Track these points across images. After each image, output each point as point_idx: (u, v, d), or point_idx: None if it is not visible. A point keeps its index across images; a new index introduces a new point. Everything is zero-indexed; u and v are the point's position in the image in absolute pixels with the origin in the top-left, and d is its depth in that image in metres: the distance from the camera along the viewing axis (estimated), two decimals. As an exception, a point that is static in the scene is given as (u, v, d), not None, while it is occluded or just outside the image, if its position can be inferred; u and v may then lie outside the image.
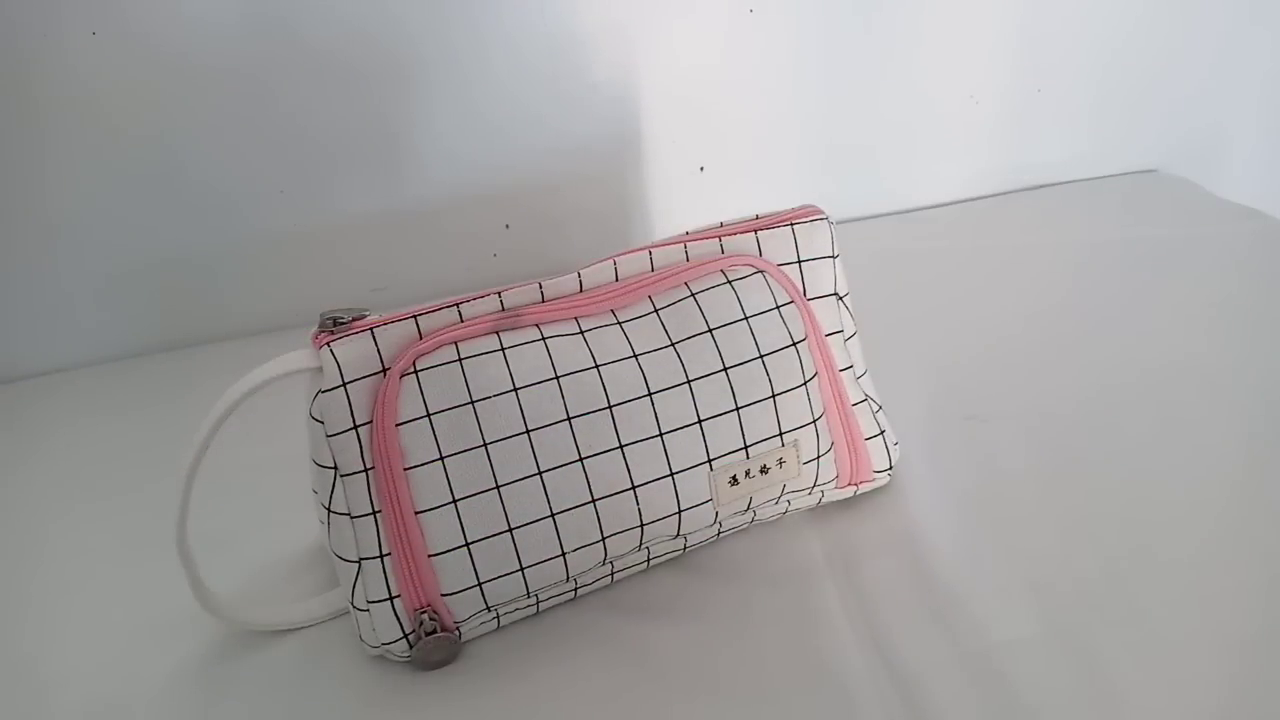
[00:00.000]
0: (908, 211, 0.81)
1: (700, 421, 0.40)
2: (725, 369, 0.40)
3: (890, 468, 0.46)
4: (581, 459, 0.38)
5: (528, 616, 0.41)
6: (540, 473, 0.38)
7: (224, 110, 0.60)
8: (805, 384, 0.42)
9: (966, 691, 0.38)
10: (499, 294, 0.40)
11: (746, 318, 0.41)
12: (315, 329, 0.38)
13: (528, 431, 0.38)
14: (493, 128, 0.67)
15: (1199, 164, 0.85)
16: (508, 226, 0.71)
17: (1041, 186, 0.84)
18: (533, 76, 0.66)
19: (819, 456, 0.42)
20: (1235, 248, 0.71)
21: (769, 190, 0.76)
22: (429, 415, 0.37)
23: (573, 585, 0.41)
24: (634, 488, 0.39)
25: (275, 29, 0.58)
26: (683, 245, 0.43)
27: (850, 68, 0.73)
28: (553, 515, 0.38)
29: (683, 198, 0.73)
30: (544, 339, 0.39)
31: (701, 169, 0.73)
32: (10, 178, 0.58)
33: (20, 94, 0.56)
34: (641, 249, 0.42)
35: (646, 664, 0.40)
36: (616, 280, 0.42)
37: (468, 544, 0.37)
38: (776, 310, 0.42)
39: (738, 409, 0.40)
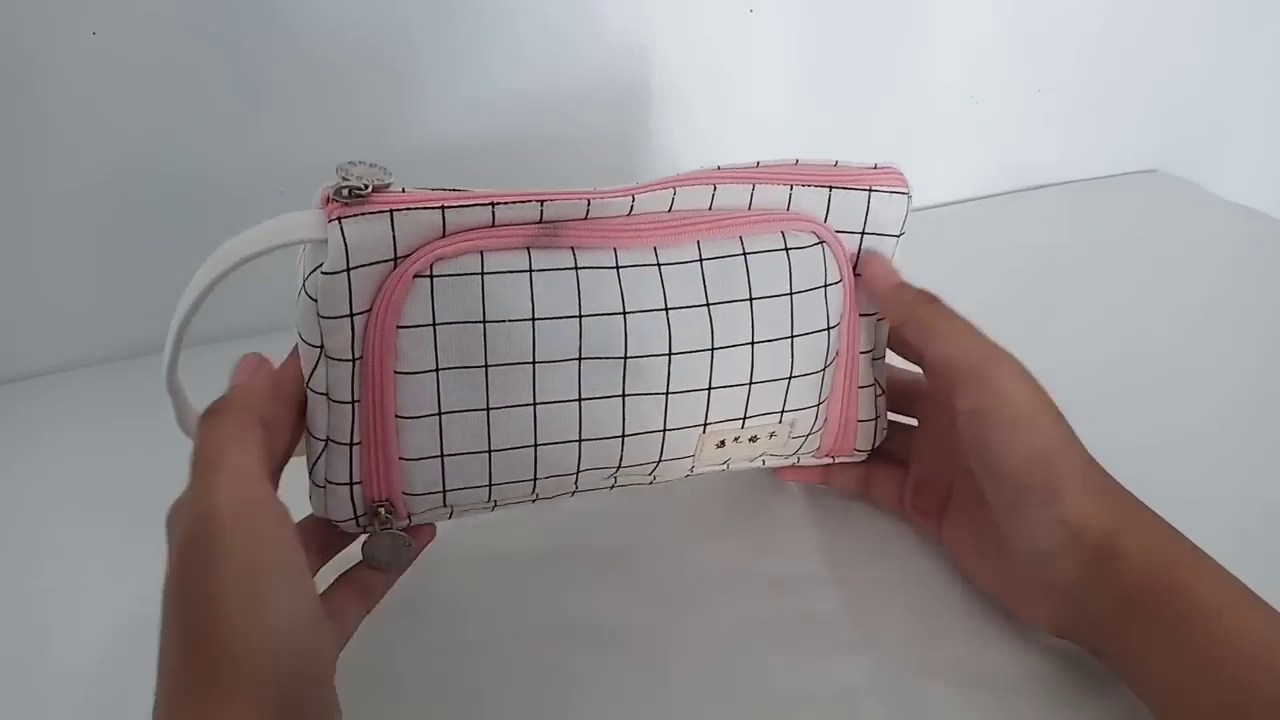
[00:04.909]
0: (908, 211, 0.81)
1: (710, 389, 0.38)
2: (753, 343, 0.38)
3: (872, 448, 0.44)
4: (580, 399, 0.36)
5: (484, 515, 0.40)
6: (535, 404, 0.36)
7: (223, 111, 0.60)
8: (824, 369, 0.40)
9: (967, 692, 0.38)
10: (541, 202, 0.35)
11: (791, 294, 0.38)
12: (329, 187, 0.34)
13: (534, 363, 0.35)
14: (494, 129, 0.67)
15: (1199, 164, 0.85)
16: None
17: (1041, 186, 0.84)
18: (534, 79, 0.66)
19: (809, 434, 0.42)
20: (1235, 248, 0.71)
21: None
22: (434, 324, 0.34)
23: (533, 498, 0.39)
24: (624, 436, 0.37)
25: (275, 29, 0.58)
26: (750, 185, 0.39)
27: (849, 67, 0.73)
28: (536, 446, 0.36)
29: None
30: (576, 268, 0.35)
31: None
32: (10, 177, 0.58)
33: (20, 94, 0.56)
34: (707, 180, 0.38)
35: (646, 666, 0.40)
36: (670, 212, 0.38)
37: (443, 455, 0.36)
38: (823, 289, 0.39)
39: (751, 384, 0.38)
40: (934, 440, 0.44)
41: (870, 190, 0.40)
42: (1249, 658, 0.31)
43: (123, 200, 0.61)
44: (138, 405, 0.65)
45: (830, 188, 0.39)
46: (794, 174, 0.39)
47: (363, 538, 0.38)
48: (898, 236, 0.41)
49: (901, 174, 0.41)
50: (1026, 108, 0.79)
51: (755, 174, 0.39)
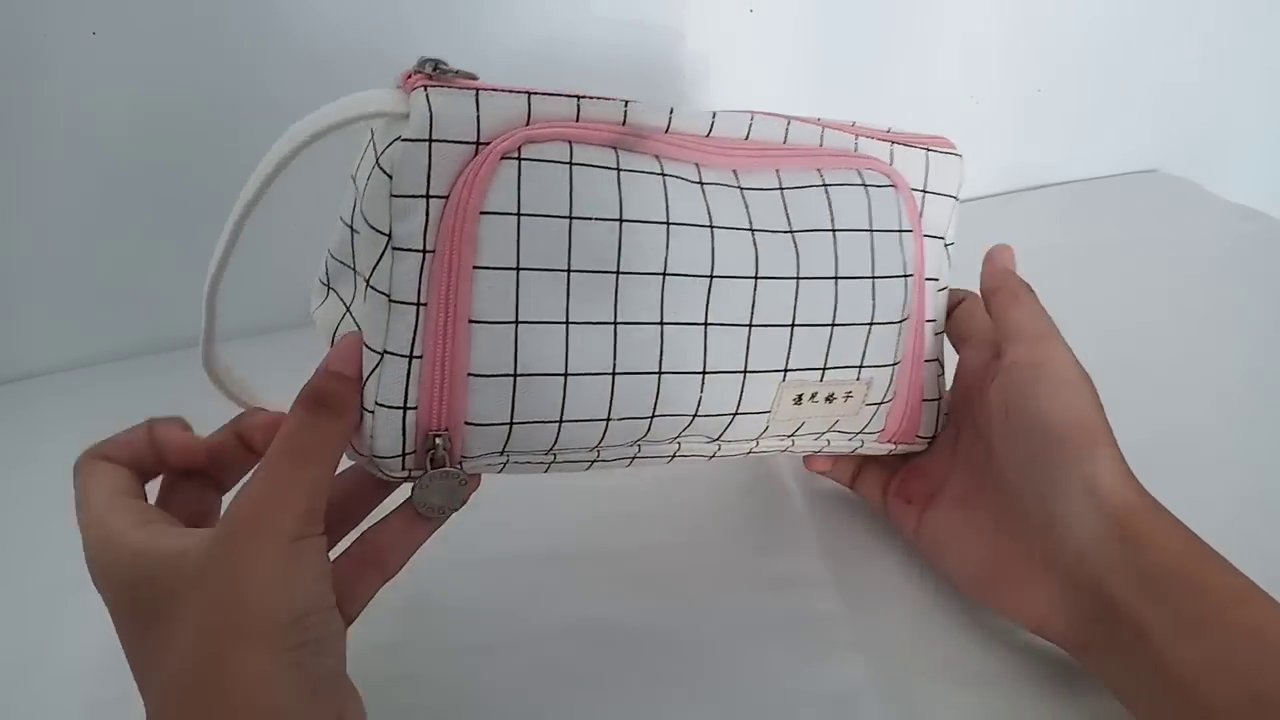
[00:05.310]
0: (908, 211, 0.81)
1: (794, 325, 0.36)
2: (837, 278, 0.36)
3: (934, 437, 0.43)
4: (663, 323, 0.33)
5: (535, 473, 0.37)
6: (615, 323, 0.33)
7: (224, 110, 0.60)
8: (900, 323, 0.38)
9: (967, 692, 0.38)
10: (626, 102, 0.34)
11: (872, 231, 0.37)
12: (410, 70, 0.32)
13: (618, 273, 0.33)
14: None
15: (1199, 164, 0.85)
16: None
17: (1041, 186, 0.84)
18: (532, 74, 0.66)
19: (881, 403, 0.40)
20: (1235, 248, 0.71)
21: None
22: (519, 214, 0.31)
23: (594, 456, 0.36)
24: (704, 373, 0.35)
25: (274, 29, 0.58)
26: (819, 128, 0.38)
27: (849, 68, 0.73)
28: (614, 374, 0.33)
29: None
30: (664, 175, 0.34)
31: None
32: (10, 177, 0.58)
33: (20, 94, 0.56)
34: (780, 115, 0.37)
35: (645, 666, 0.40)
36: (746, 139, 0.37)
37: (516, 374, 0.32)
38: (899, 234, 0.38)
39: (833, 325, 0.36)
40: (942, 433, 0.43)
41: (927, 150, 0.40)
42: (1268, 655, 0.31)
43: (123, 200, 0.61)
44: (138, 405, 0.65)
45: (892, 143, 0.39)
46: (857, 128, 0.39)
47: (374, 512, 0.36)
48: (955, 198, 0.41)
49: (951, 141, 0.41)
50: (1026, 108, 0.79)
51: (820, 121, 0.39)
